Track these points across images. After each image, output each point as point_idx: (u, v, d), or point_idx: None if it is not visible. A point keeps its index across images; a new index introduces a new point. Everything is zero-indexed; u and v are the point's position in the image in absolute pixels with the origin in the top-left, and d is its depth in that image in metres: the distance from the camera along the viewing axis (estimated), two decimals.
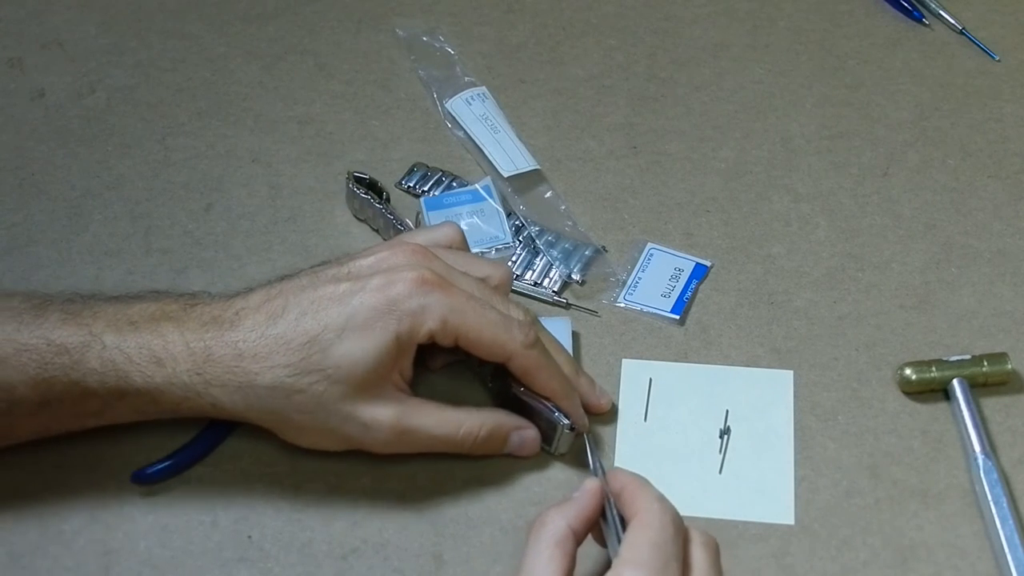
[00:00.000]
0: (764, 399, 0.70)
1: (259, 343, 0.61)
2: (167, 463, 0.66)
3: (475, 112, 0.83)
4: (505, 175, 0.80)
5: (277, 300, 0.63)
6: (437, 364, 0.70)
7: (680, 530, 0.57)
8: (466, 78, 0.87)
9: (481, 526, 0.65)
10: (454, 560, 0.64)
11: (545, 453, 0.67)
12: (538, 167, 0.81)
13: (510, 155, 0.81)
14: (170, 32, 0.91)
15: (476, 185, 0.79)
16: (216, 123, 0.85)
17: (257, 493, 0.66)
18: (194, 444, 0.67)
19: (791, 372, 0.71)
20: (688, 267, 0.76)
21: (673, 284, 0.75)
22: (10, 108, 0.86)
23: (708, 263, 0.77)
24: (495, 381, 0.68)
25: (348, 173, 0.78)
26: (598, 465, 0.63)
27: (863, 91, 0.87)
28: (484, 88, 0.85)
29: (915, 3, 0.92)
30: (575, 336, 0.72)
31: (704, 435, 0.69)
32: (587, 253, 0.76)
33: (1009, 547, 0.63)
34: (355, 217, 0.79)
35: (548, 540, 0.56)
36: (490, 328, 0.63)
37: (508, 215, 0.78)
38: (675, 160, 0.83)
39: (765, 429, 0.69)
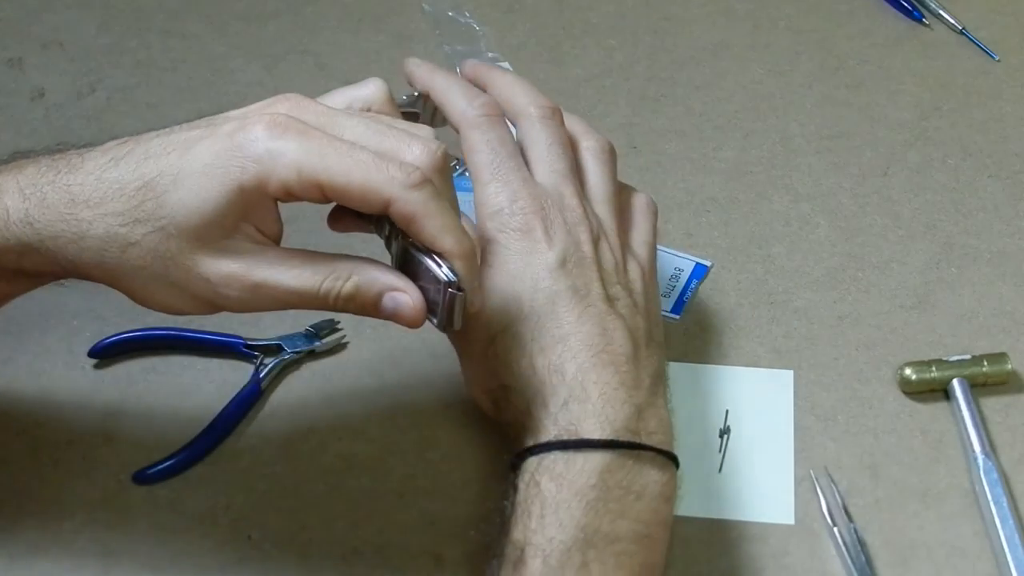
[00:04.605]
0: (764, 399, 0.70)
1: (95, 188, 0.54)
2: (167, 463, 0.66)
3: None
4: None
5: (128, 144, 0.56)
6: (339, 227, 0.61)
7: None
8: (489, 54, 0.88)
9: (481, 526, 0.65)
10: (454, 560, 0.64)
11: (436, 328, 0.58)
12: None
13: None
14: (170, 32, 0.91)
15: None
16: None
17: (257, 493, 0.66)
18: (194, 444, 0.67)
19: (791, 372, 0.71)
20: (688, 267, 0.76)
21: (673, 284, 0.75)
22: (10, 108, 0.86)
23: (708, 263, 0.77)
24: (393, 241, 0.58)
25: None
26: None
27: (863, 91, 0.87)
28: (507, 64, 0.86)
29: (915, 3, 0.92)
30: None
31: (704, 435, 0.69)
32: None
33: (1009, 547, 0.63)
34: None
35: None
36: (359, 170, 0.53)
37: None
38: (675, 160, 0.83)
39: (765, 429, 0.69)
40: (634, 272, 0.64)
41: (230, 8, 0.92)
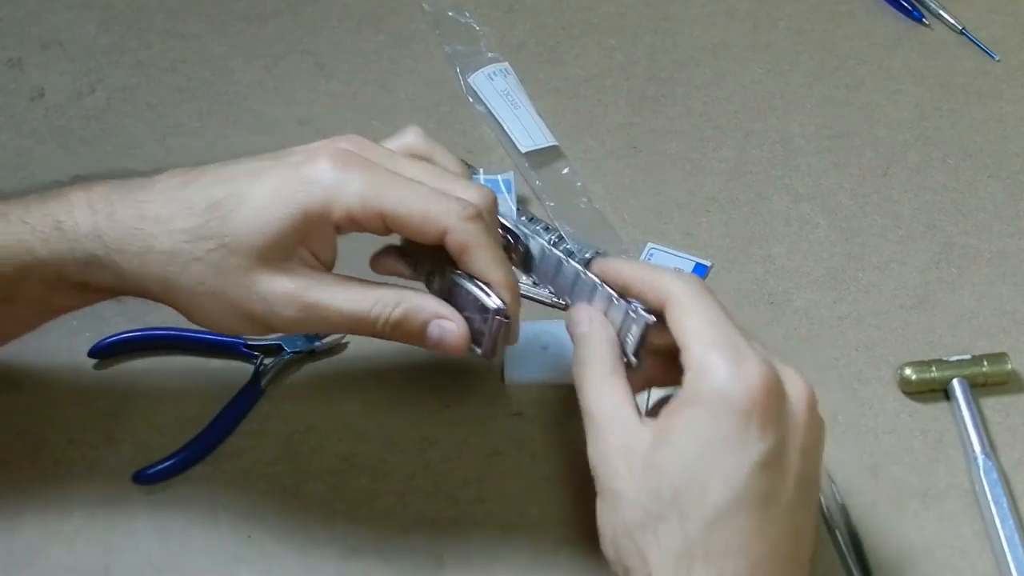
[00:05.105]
0: None
1: (164, 205, 0.57)
2: (167, 463, 0.66)
3: (496, 87, 0.84)
4: (523, 151, 0.81)
5: (195, 170, 0.59)
6: (380, 268, 0.63)
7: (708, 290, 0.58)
8: (489, 54, 0.88)
9: (481, 526, 0.65)
10: (454, 560, 0.64)
11: (480, 357, 0.60)
12: (556, 143, 0.82)
13: (529, 131, 0.82)
14: (170, 32, 0.91)
15: (498, 176, 0.79)
16: (216, 123, 0.85)
17: (257, 493, 0.66)
18: (194, 444, 0.67)
19: None
20: (688, 267, 0.76)
21: None
22: (10, 108, 0.86)
23: (708, 263, 0.77)
24: (435, 277, 0.61)
25: None
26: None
27: (863, 91, 0.87)
28: (507, 64, 0.86)
29: (915, 3, 0.92)
30: None
31: None
32: (587, 256, 0.76)
33: (1009, 547, 0.63)
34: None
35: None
36: (419, 201, 0.57)
37: (518, 210, 0.78)
38: (675, 160, 0.83)
39: None
40: (823, 477, 0.59)
41: (230, 8, 0.92)
